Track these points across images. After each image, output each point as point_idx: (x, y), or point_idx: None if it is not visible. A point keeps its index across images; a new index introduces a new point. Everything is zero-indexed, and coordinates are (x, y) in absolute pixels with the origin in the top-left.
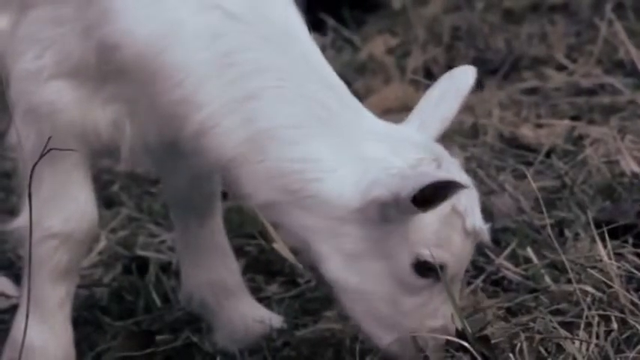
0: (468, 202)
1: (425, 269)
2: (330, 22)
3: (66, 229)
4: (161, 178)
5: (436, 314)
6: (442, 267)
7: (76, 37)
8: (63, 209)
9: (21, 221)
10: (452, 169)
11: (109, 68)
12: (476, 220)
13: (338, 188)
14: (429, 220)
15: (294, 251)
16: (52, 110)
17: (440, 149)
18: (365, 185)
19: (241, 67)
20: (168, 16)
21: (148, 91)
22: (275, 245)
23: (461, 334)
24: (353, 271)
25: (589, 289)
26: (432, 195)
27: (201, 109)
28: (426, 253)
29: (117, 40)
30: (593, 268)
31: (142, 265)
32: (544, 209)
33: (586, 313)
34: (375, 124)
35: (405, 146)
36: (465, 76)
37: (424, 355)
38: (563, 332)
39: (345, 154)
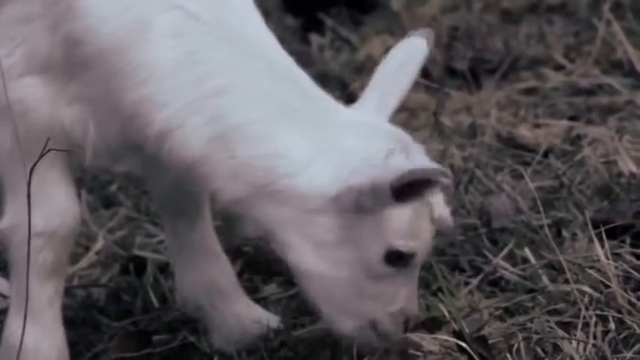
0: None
1: (395, 258)
2: (329, 22)
3: (49, 227)
4: (147, 181)
5: (395, 298)
6: (413, 255)
7: (44, 32)
8: (44, 208)
9: (5, 222)
10: (419, 156)
11: (74, 64)
12: (441, 208)
13: (313, 181)
14: (402, 210)
15: None
16: (24, 108)
17: (405, 136)
18: (344, 175)
19: (204, 65)
20: (132, 14)
21: (111, 89)
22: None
23: (458, 334)
24: (320, 259)
25: (586, 289)
26: (408, 190)
27: (164, 107)
28: (400, 243)
29: (81, 36)
30: (591, 268)
31: (140, 265)
32: (542, 209)
33: (583, 313)
34: (343, 114)
35: (376, 135)
36: (418, 43)
37: (383, 337)
38: (560, 332)
39: (318, 147)
